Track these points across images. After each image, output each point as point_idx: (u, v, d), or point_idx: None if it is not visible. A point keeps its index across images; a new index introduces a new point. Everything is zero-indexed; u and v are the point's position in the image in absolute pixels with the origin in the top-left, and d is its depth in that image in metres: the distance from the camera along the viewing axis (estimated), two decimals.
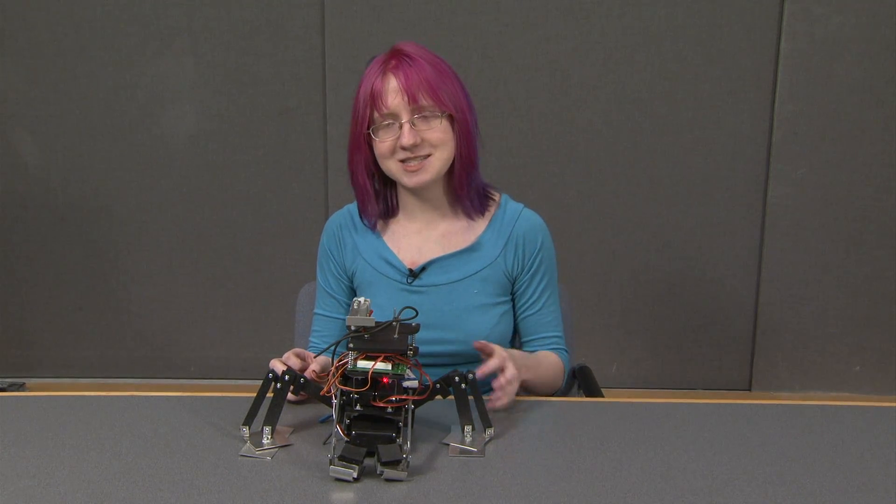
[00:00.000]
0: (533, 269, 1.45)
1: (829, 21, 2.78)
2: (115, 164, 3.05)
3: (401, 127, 1.32)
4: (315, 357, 1.26)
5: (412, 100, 1.31)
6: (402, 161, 1.35)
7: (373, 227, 1.47)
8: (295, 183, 3.03)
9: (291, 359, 1.23)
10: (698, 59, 2.85)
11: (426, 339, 1.36)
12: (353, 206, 1.51)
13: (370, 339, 1.04)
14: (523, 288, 1.46)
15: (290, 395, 1.17)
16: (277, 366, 1.19)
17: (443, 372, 1.31)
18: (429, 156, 1.35)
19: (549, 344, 1.47)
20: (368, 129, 1.36)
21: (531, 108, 2.91)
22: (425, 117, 1.33)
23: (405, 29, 2.84)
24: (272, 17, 2.91)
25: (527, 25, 2.86)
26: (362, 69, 1.38)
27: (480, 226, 1.45)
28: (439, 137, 1.34)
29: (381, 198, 1.46)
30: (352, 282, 1.49)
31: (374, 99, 1.33)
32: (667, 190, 2.95)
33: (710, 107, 2.89)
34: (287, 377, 1.10)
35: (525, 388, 1.41)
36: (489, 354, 1.24)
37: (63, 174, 3.06)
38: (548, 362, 1.44)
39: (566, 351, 1.51)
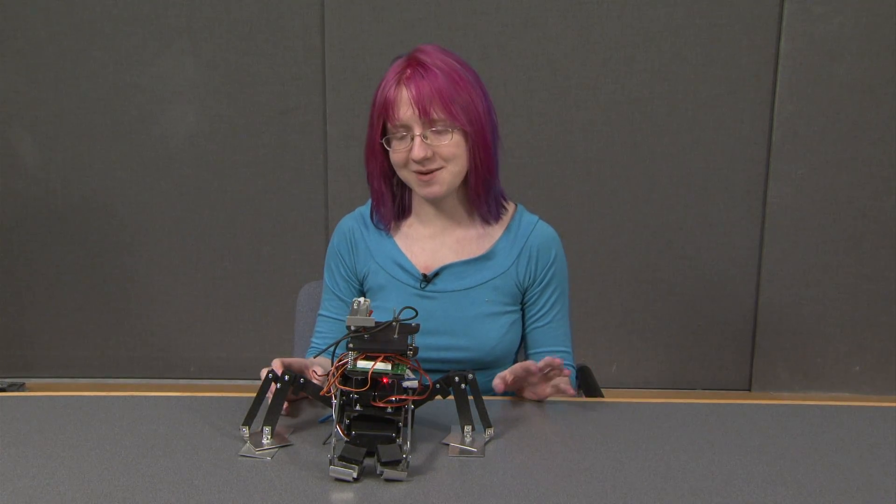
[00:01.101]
0: (545, 282, 1.44)
1: (828, 21, 2.79)
2: (115, 164, 3.05)
3: (413, 139, 1.31)
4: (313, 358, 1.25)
5: (423, 113, 1.29)
6: (416, 172, 1.34)
7: (386, 230, 1.46)
8: (295, 183, 3.03)
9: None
10: (698, 59, 2.85)
11: (436, 346, 1.36)
12: (364, 209, 1.50)
13: (370, 340, 1.04)
14: (534, 299, 1.45)
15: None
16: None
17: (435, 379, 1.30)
18: (441, 168, 1.33)
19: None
20: (382, 138, 1.36)
21: (531, 108, 2.91)
22: (437, 131, 1.31)
23: (405, 29, 2.85)
24: (272, 17, 2.91)
25: (527, 25, 2.86)
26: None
27: (495, 234, 1.44)
28: (451, 152, 1.32)
29: (396, 200, 1.45)
30: (362, 285, 1.48)
31: (387, 109, 1.32)
32: (667, 190, 2.95)
33: (710, 107, 2.89)
34: (287, 377, 1.10)
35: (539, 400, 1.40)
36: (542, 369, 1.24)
37: (63, 174, 3.06)
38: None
39: (573, 367, 1.50)
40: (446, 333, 1.38)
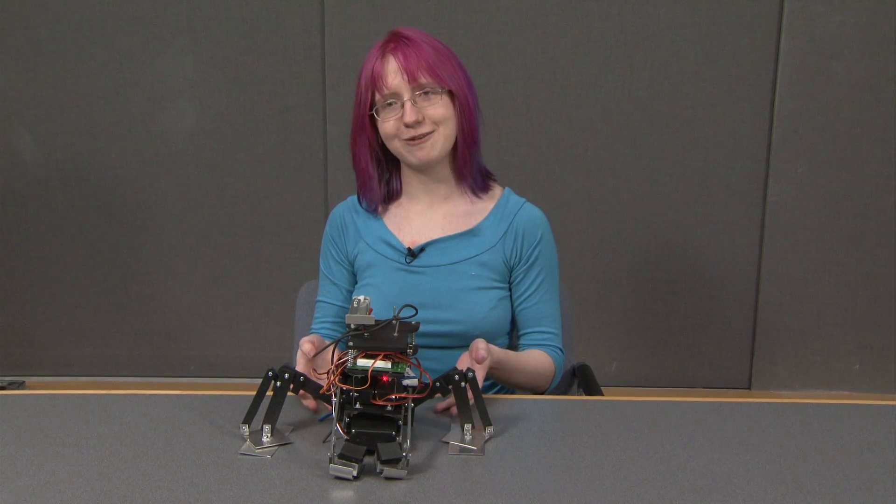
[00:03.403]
0: (530, 262, 1.45)
1: (828, 20, 2.78)
2: (115, 163, 3.05)
3: (402, 106, 1.35)
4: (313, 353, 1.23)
5: (412, 78, 1.34)
6: (407, 140, 1.38)
7: (374, 212, 1.49)
8: (295, 182, 3.03)
9: (305, 347, 1.20)
10: (698, 59, 2.85)
11: (423, 319, 1.36)
12: (355, 196, 1.54)
13: (370, 338, 1.04)
14: (519, 279, 1.46)
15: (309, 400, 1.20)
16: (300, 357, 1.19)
17: (439, 353, 1.30)
18: (432, 132, 1.37)
19: (542, 340, 1.47)
20: (371, 110, 1.39)
21: (531, 108, 2.91)
22: (426, 94, 1.36)
23: None
24: (272, 17, 2.91)
25: (527, 25, 2.86)
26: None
27: (483, 212, 1.47)
28: (441, 113, 1.37)
29: (383, 181, 1.49)
30: (353, 266, 1.51)
31: (375, 80, 1.36)
32: (667, 189, 2.95)
33: (710, 106, 2.89)
34: (287, 376, 1.10)
35: (509, 385, 1.41)
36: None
37: (63, 173, 3.06)
38: (533, 361, 1.43)
39: (561, 350, 1.49)
40: (433, 307, 1.39)
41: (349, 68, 2.88)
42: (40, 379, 3.19)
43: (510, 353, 1.38)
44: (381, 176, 1.48)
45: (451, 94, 1.38)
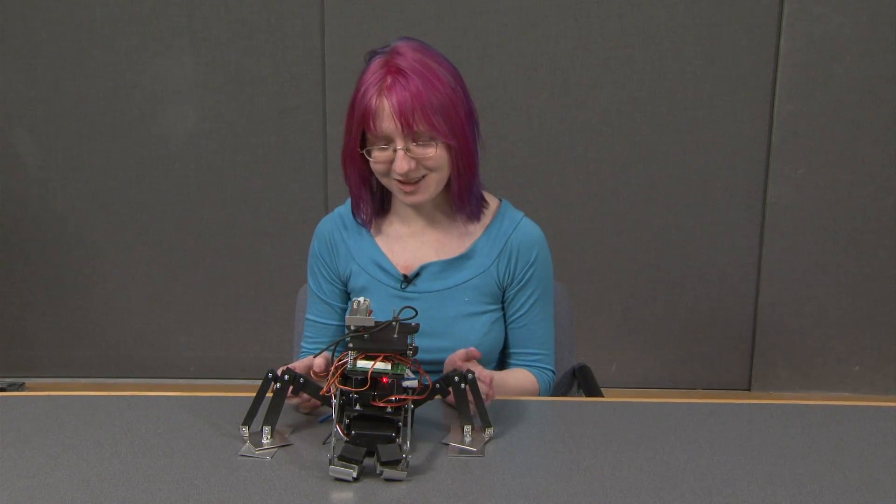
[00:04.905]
0: (524, 282, 1.42)
1: (828, 20, 2.78)
2: (115, 164, 3.05)
3: (395, 151, 1.29)
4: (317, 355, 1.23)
5: (406, 127, 1.26)
6: (399, 181, 1.32)
7: (367, 226, 1.45)
8: (294, 183, 3.03)
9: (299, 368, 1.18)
10: (698, 59, 2.85)
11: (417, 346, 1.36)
12: (342, 209, 1.49)
13: (370, 339, 1.04)
14: (511, 299, 1.43)
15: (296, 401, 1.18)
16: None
17: (434, 379, 1.30)
18: (425, 176, 1.32)
19: (531, 362, 1.45)
20: (362, 148, 1.33)
21: (531, 108, 2.91)
22: (420, 144, 1.29)
23: (405, 29, 2.84)
24: (272, 17, 2.91)
25: (527, 25, 2.86)
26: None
27: (476, 232, 1.43)
28: (435, 162, 1.31)
29: (375, 197, 1.44)
30: (346, 286, 1.48)
31: (367, 120, 1.29)
32: (667, 190, 2.95)
33: (710, 107, 2.89)
34: (287, 377, 1.10)
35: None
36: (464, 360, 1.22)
37: (62, 174, 3.06)
38: (515, 382, 1.41)
39: (552, 371, 1.47)
40: (427, 335, 1.34)
41: (349, 69, 2.88)
42: (40, 380, 3.19)
43: (494, 372, 1.34)
44: (373, 193, 1.43)
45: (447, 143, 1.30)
